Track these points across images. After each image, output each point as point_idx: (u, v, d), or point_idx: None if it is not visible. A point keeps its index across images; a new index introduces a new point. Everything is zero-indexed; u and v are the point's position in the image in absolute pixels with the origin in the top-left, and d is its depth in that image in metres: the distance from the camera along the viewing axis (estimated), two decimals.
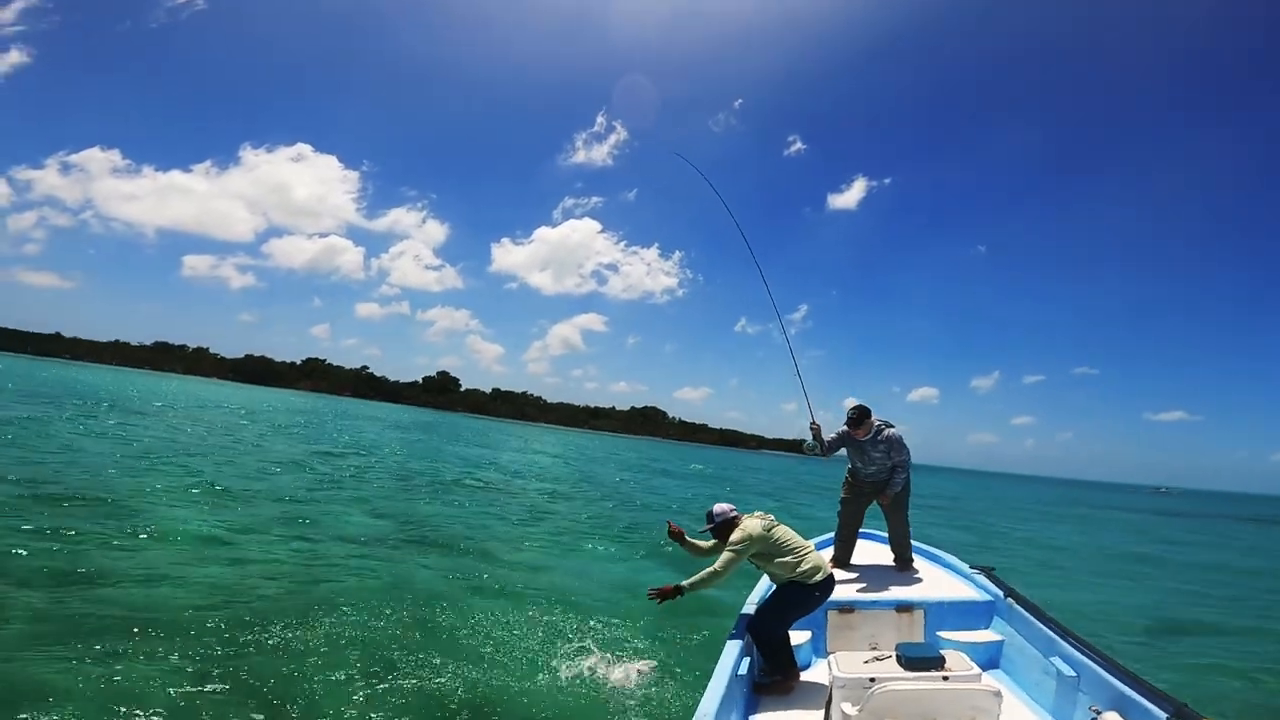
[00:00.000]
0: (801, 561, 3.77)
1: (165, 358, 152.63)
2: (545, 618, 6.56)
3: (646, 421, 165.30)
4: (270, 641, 5.24)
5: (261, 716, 4.13)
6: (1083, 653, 3.32)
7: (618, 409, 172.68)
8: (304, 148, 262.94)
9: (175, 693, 4.22)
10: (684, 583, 3.69)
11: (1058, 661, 3.45)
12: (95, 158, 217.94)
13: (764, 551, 3.80)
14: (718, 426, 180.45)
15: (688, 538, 4.14)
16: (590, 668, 5.37)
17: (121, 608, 5.52)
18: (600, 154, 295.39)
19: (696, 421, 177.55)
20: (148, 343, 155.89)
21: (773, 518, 3.98)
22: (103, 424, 19.85)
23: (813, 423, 5.29)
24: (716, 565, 3.72)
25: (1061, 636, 3.56)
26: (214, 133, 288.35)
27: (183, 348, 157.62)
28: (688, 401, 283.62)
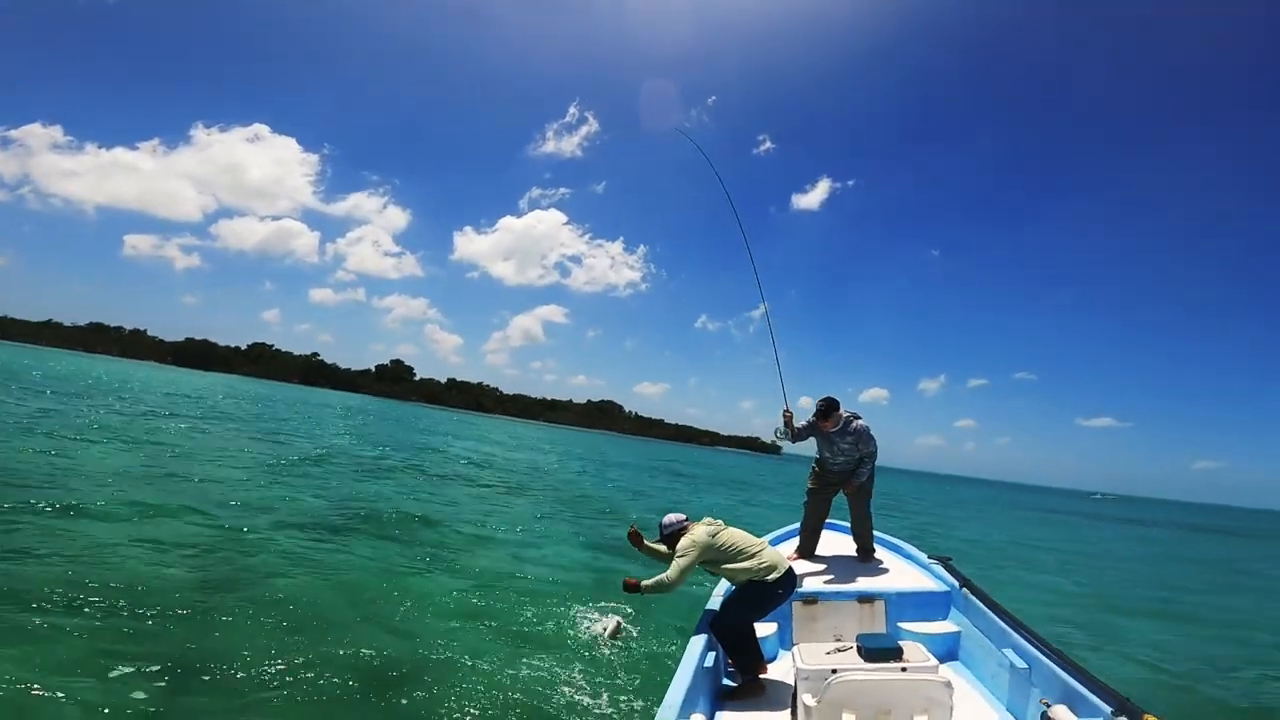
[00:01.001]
0: (754, 561, 3.81)
1: (100, 339, 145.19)
2: (498, 604, 6.62)
3: (603, 415, 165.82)
4: (191, 619, 5.18)
5: (178, 696, 4.09)
6: (1034, 645, 3.40)
7: (574, 402, 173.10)
8: (261, 128, 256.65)
9: (93, 667, 4.24)
10: (643, 583, 3.80)
11: (1010, 654, 3.51)
12: (35, 133, 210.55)
13: (713, 558, 3.85)
14: (674, 422, 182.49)
15: (646, 541, 4.24)
16: (547, 658, 5.33)
17: (41, 584, 5.39)
18: (570, 145, 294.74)
19: (654, 417, 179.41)
20: (82, 323, 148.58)
21: (721, 523, 4.04)
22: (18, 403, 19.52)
23: (786, 410, 5.33)
24: (668, 573, 3.79)
25: (1014, 629, 3.64)
26: (164, 111, 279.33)
27: (119, 329, 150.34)
28: (646, 396, 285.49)
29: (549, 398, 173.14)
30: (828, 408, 5.13)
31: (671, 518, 4.12)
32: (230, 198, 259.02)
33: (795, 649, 3.39)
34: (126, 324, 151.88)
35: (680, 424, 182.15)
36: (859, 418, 5.20)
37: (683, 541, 3.88)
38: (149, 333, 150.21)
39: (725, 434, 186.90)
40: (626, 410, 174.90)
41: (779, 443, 5.44)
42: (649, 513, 14.71)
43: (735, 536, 3.94)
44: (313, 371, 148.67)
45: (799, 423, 5.29)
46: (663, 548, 4.15)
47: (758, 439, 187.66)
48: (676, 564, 3.80)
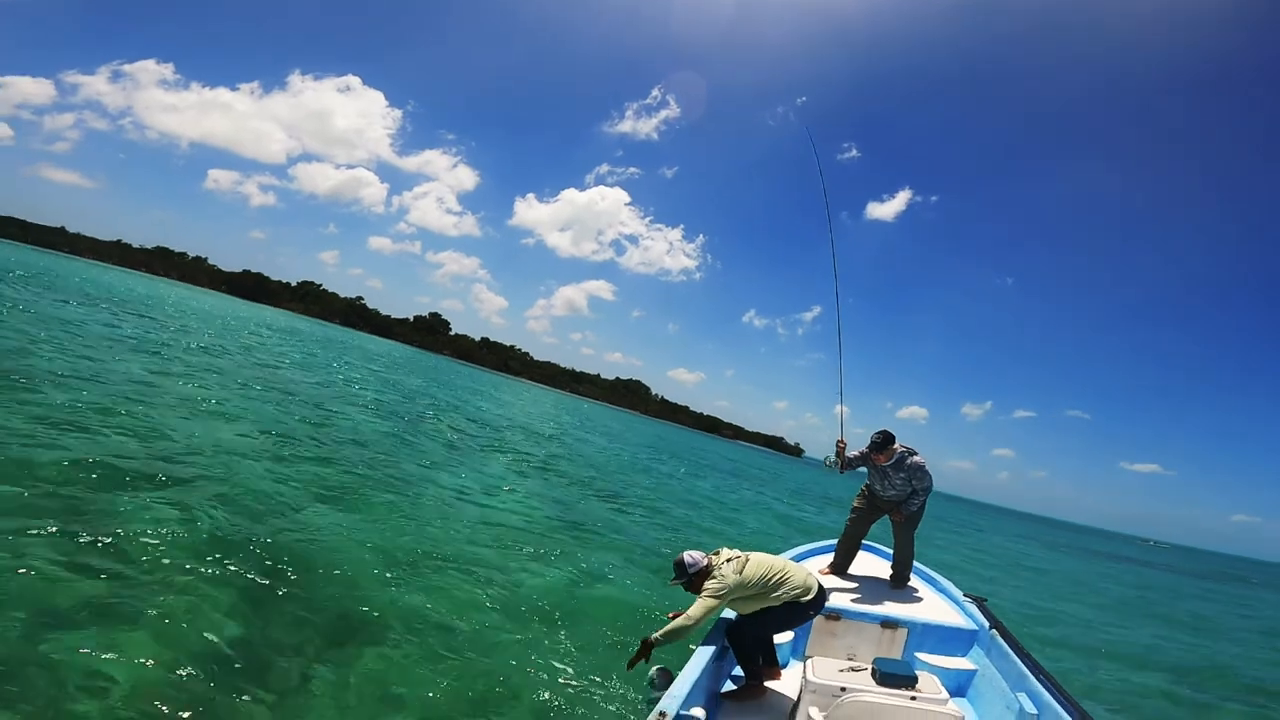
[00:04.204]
0: (785, 590, 3.61)
1: (163, 263, 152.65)
2: (488, 591, 6.04)
3: (629, 394, 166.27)
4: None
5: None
6: (1050, 691, 3.35)
7: (602, 377, 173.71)
8: (354, 79, 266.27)
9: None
10: (653, 635, 3.46)
11: (1023, 698, 3.47)
12: (148, 69, 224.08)
13: (742, 597, 3.62)
14: (705, 412, 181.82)
15: (658, 635, 3.50)
16: (548, 650, 5.00)
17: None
18: (647, 127, 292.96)
19: (681, 403, 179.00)
20: (149, 246, 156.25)
21: (742, 556, 3.75)
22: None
23: (840, 439, 5.22)
24: (691, 612, 3.48)
25: (1033, 672, 3.57)
26: (267, 55, 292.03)
27: (182, 255, 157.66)
28: (680, 382, 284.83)
29: (579, 369, 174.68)
30: (883, 441, 4.97)
31: (691, 556, 3.71)
32: (314, 143, 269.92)
33: (808, 661, 3.32)
34: (191, 251, 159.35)
35: (706, 414, 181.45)
36: (915, 453, 5.00)
37: (711, 583, 3.55)
38: (209, 261, 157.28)
39: (750, 430, 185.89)
40: (653, 393, 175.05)
41: (828, 468, 5.34)
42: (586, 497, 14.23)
43: (760, 566, 3.68)
44: (354, 314, 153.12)
45: (852, 452, 5.17)
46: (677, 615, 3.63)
47: (781, 439, 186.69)
48: (704, 603, 3.50)
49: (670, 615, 3.60)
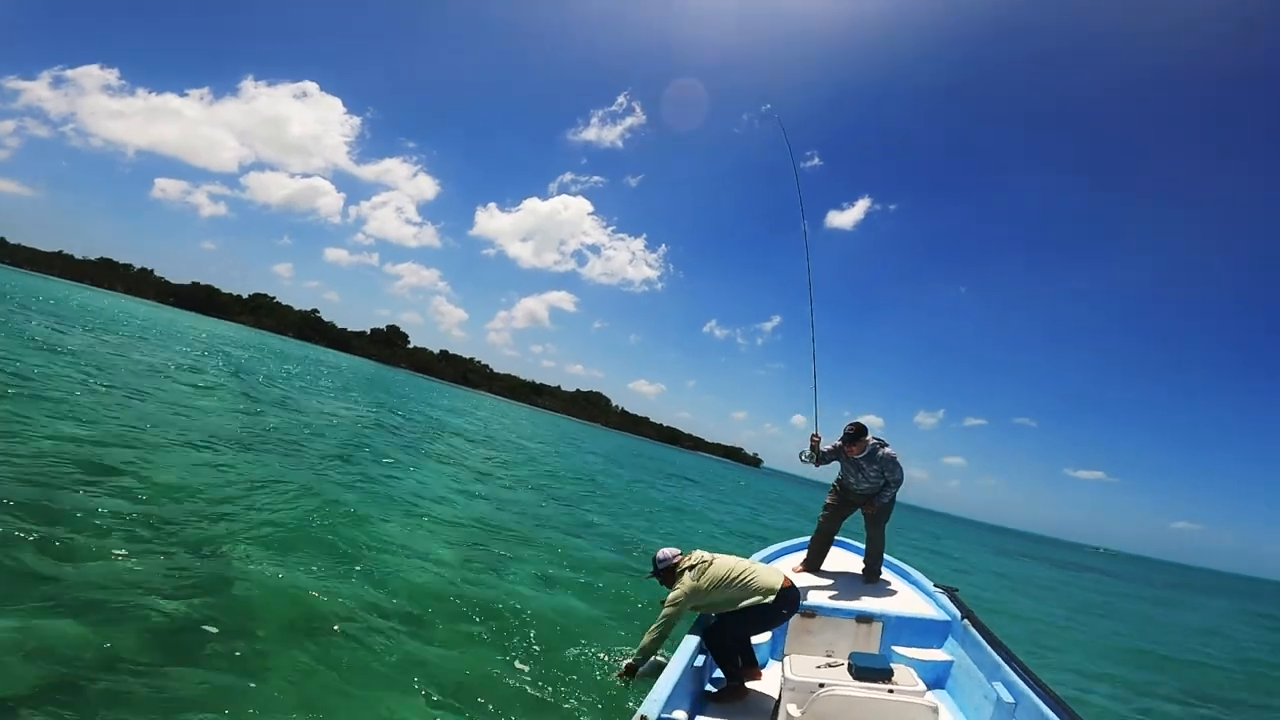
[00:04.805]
0: (747, 594, 3.72)
1: (108, 275, 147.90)
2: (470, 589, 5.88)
3: (589, 406, 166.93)
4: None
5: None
6: (1025, 680, 3.39)
7: (562, 389, 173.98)
8: (310, 85, 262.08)
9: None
10: (631, 659, 3.94)
11: (999, 687, 3.50)
12: (91, 74, 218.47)
13: (704, 603, 3.81)
14: (666, 424, 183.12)
15: (639, 647, 3.97)
16: (526, 649, 4.79)
17: None
18: (612, 135, 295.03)
19: (643, 415, 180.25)
20: (93, 258, 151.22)
21: (707, 559, 3.93)
22: None
23: (815, 434, 5.28)
24: (655, 626, 3.84)
25: (1007, 662, 3.63)
26: (217, 61, 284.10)
27: (128, 267, 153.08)
28: (641, 394, 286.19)
29: (540, 382, 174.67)
30: (856, 433, 5.05)
31: (664, 553, 4.11)
32: (267, 151, 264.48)
33: (786, 659, 3.40)
34: (138, 263, 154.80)
35: (667, 425, 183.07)
36: (886, 445, 5.13)
37: (672, 593, 3.88)
38: (156, 274, 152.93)
39: (710, 440, 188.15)
40: (614, 404, 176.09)
41: (804, 461, 5.33)
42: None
43: (722, 569, 3.83)
44: (309, 327, 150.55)
45: (826, 446, 5.24)
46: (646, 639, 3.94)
47: (741, 449, 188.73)
48: (664, 614, 3.83)
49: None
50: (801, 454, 5.33)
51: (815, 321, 6.04)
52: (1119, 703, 7.55)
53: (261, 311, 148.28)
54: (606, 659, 4.71)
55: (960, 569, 20.62)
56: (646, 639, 3.88)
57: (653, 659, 3.97)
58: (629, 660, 4.08)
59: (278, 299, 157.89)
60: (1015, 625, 11.10)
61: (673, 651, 3.62)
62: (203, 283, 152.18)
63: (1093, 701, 7.21)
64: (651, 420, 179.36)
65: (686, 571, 3.90)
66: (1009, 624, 10.50)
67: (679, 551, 4.12)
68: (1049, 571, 32.25)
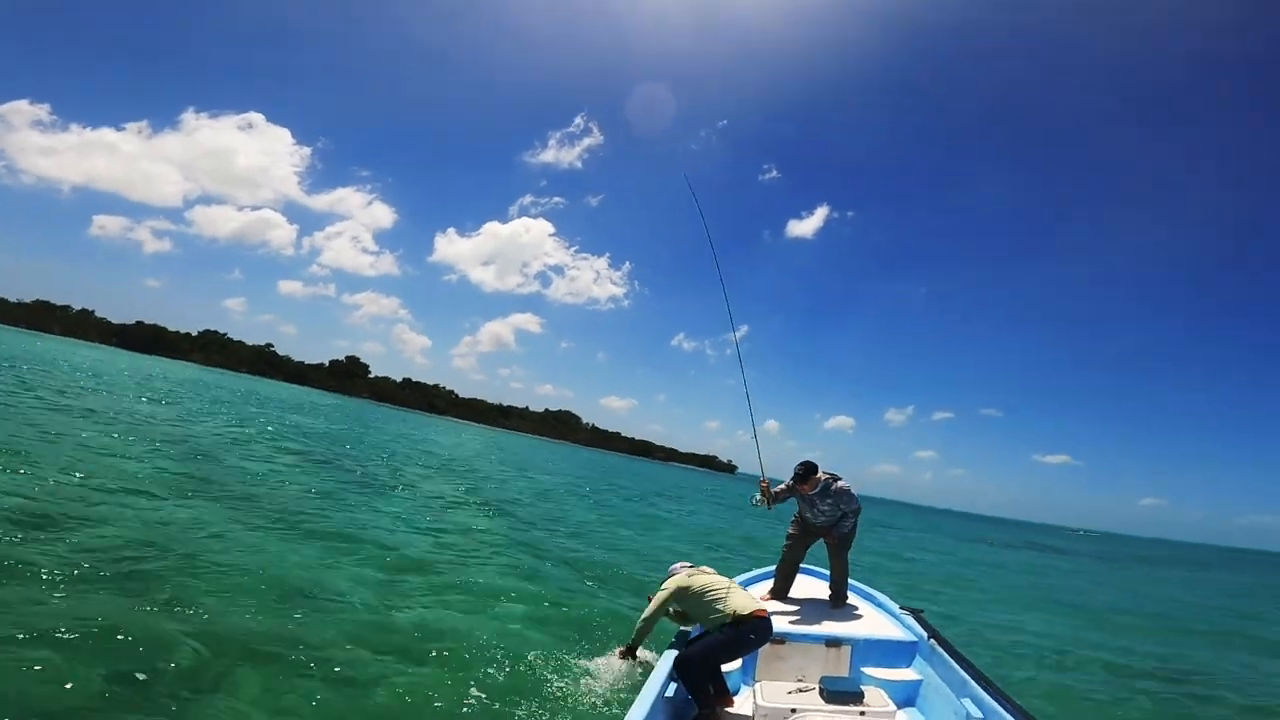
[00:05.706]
0: (723, 605, 3.95)
1: (44, 317, 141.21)
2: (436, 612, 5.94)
3: (560, 424, 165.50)
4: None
5: None
6: (993, 697, 3.46)
7: (531, 410, 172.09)
8: (256, 116, 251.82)
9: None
10: (630, 647, 4.46)
11: (968, 704, 3.55)
12: (20, 110, 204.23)
13: (686, 601, 4.13)
14: (638, 437, 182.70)
15: (634, 632, 4.46)
16: (492, 673, 4.68)
17: None
18: (570, 155, 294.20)
19: (615, 430, 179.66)
20: (28, 300, 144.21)
21: (701, 569, 4.38)
22: None
23: (763, 479, 5.37)
24: (644, 613, 4.30)
25: (975, 679, 3.70)
26: (156, 94, 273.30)
27: (66, 308, 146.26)
28: (612, 410, 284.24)
29: (508, 404, 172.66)
30: (805, 472, 5.14)
31: (675, 566, 4.58)
32: (213, 184, 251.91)
33: (756, 686, 3.52)
34: (77, 304, 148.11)
35: (639, 439, 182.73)
36: (839, 479, 5.19)
37: (662, 585, 4.35)
38: (97, 314, 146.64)
39: (683, 451, 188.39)
40: (584, 421, 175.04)
41: (756, 506, 5.44)
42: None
43: (707, 577, 4.22)
44: (263, 362, 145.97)
45: (778, 487, 5.32)
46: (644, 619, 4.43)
47: (714, 457, 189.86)
48: (652, 602, 4.31)
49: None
50: (754, 499, 5.42)
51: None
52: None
53: (212, 349, 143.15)
54: (566, 684, 4.68)
55: (962, 586, 20.85)
56: (639, 624, 4.34)
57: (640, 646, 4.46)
58: (622, 647, 4.57)
59: (229, 335, 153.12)
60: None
61: (645, 678, 3.66)
62: (148, 321, 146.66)
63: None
64: (623, 435, 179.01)
65: (684, 570, 4.41)
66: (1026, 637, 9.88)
67: (690, 566, 4.51)
68: (1028, 556, 32.34)
